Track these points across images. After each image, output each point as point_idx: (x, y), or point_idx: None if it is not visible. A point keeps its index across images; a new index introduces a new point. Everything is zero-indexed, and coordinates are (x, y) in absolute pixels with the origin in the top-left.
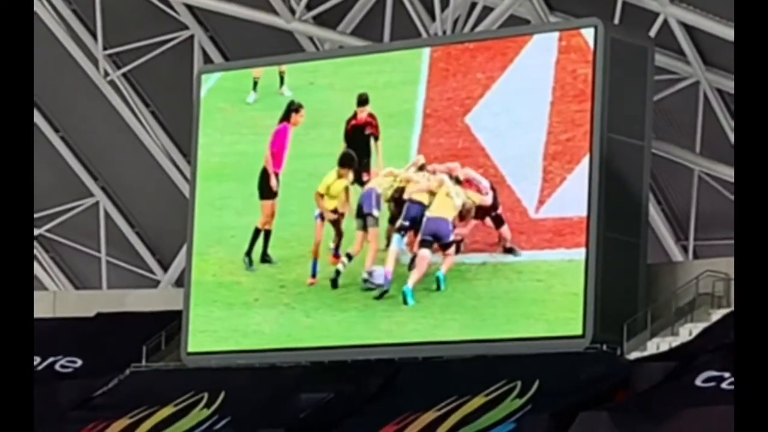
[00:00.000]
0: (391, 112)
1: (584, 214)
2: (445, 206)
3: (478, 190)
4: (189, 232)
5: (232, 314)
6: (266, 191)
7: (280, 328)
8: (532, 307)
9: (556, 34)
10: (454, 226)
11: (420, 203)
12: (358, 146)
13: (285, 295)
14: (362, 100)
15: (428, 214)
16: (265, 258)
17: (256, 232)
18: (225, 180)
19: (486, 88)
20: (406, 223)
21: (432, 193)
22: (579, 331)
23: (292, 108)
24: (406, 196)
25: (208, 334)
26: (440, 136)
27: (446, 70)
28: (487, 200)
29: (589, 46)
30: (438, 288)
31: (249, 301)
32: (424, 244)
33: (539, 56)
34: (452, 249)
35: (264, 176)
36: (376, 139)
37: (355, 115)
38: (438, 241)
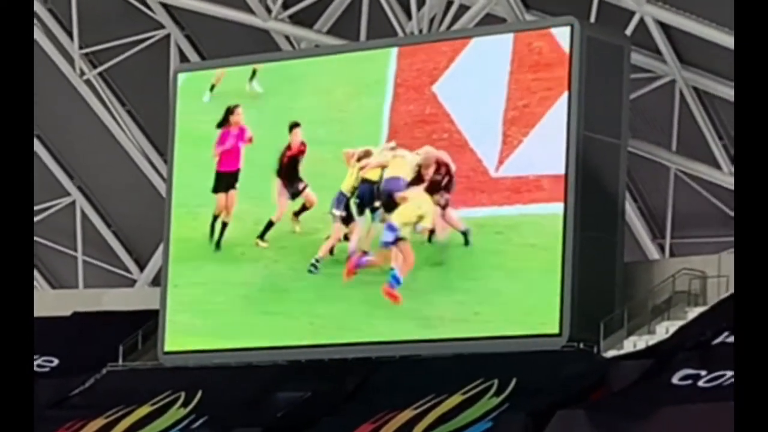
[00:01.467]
0: (366, 82)
1: (539, 173)
2: (399, 166)
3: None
4: (165, 231)
5: (208, 313)
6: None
7: (257, 326)
8: (490, 257)
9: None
10: (410, 184)
11: (369, 181)
12: (292, 175)
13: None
14: (293, 125)
15: (384, 176)
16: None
17: (214, 219)
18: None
19: (451, 60)
20: (358, 201)
21: (383, 167)
22: (556, 330)
23: (229, 111)
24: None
25: (184, 334)
26: (409, 103)
27: (416, 44)
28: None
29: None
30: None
31: (226, 299)
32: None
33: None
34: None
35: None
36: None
37: (289, 146)
38: (390, 199)
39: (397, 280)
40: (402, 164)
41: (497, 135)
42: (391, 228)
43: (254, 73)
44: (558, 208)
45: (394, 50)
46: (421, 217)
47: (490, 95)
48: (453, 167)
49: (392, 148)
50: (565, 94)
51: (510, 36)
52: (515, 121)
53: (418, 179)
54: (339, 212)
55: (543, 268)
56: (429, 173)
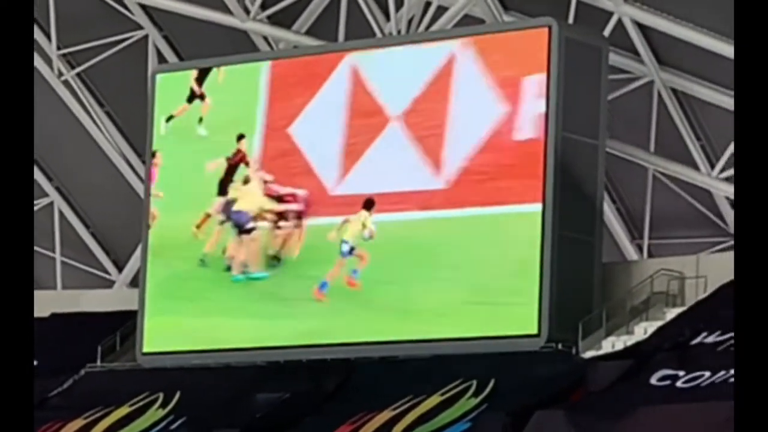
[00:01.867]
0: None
1: (363, 191)
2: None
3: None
4: (144, 232)
5: (187, 314)
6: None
7: (236, 327)
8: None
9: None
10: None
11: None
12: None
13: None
14: (240, 136)
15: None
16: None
17: None
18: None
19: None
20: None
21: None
22: (534, 330)
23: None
24: None
25: (163, 334)
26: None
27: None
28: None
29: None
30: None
31: (204, 301)
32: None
33: (340, 80)
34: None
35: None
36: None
37: (237, 152)
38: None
39: (356, 273)
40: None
41: (335, 162)
42: (345, 242)
43: (201, 120)
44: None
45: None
46: (364, 226)
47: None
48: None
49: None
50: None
51: (346, 87)
52: (350, 153)
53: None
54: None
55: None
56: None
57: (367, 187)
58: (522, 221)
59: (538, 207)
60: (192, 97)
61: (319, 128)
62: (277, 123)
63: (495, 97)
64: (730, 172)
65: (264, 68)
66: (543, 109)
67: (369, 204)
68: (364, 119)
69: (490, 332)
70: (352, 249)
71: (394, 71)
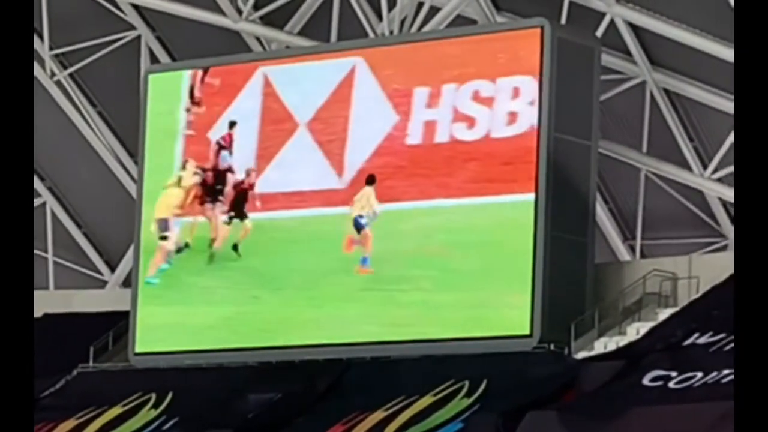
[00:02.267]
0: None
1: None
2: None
3: None
4: (136, 232)
5: (179, 315)
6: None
7: (228, 327)
8: None
9: None
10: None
11: None
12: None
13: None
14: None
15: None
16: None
17: None
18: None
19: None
20: None
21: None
22: (526, 331)
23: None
24: None
25: (155, 335)
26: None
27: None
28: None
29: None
30: None
31: (197, 301)
32: None
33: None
34: None
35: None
36: None
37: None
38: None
39: (366, 261)
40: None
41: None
42: (361, 217)
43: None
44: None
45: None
46: (370, 204)
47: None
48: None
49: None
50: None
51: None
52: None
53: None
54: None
55: None
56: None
57: (278, 186)
58: (418, 217)
59: (428, 203)
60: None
61: (235, 133)
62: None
63: (389, 106)
64: (723, 172)
65: (186, 75)
66: (432, 117)
67: (371, 179)
68: (276, 125)
69: (483, 333)
70: (365, 224)
71: (302, 82)
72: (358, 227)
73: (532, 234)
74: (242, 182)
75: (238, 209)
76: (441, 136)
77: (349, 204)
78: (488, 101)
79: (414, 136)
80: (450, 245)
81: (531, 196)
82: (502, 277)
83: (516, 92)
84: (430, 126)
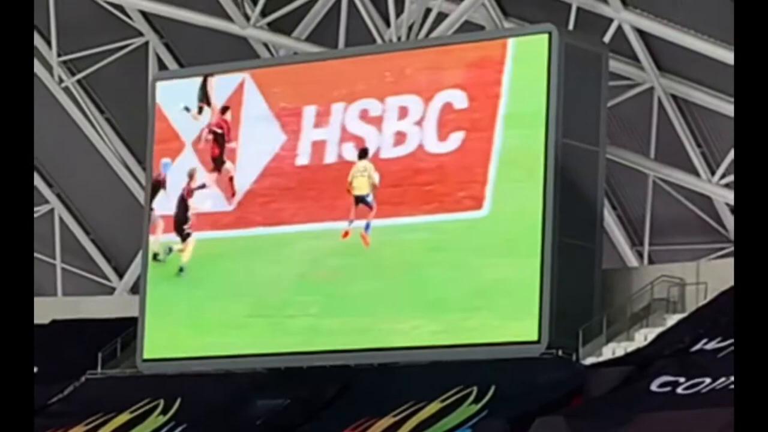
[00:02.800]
0: None
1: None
2: None
3: None
4: (144, 238)
5: (187, 321)
6: None
7: (237, 334)
8: None
9: None
10: None
11: None
12: None
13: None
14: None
15: None
16: None
17: None
18: None
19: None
20: None
21: None
22: (534, 337)
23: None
24: None
25: (163, 341)
26: None
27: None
28: None
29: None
30: None
31: (205, 307)
32: None
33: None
34: None
35: None
36: None
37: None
38: None
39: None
40: None
41: None
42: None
43: None
44: None
45: None
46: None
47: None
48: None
49: None
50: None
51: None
52: None
53: None
54: None
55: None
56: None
57: (166, 209)
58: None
59: (316, 226)
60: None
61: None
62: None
63: (277, 126)
64: (731, 178)
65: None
66: (321, 137)
67: (363, 153)
68: (164, 144)
69: (491, 339)
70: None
71: (188, 101)
72: (368, 203)
73: (424, 256)
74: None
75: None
76: (330, 157)
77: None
78: (377, 121)
79: (303, 156)
80: (339, 269)
81: (421, 218)
82: (392, 301)
83: (403, 112)
84: (318, 146)
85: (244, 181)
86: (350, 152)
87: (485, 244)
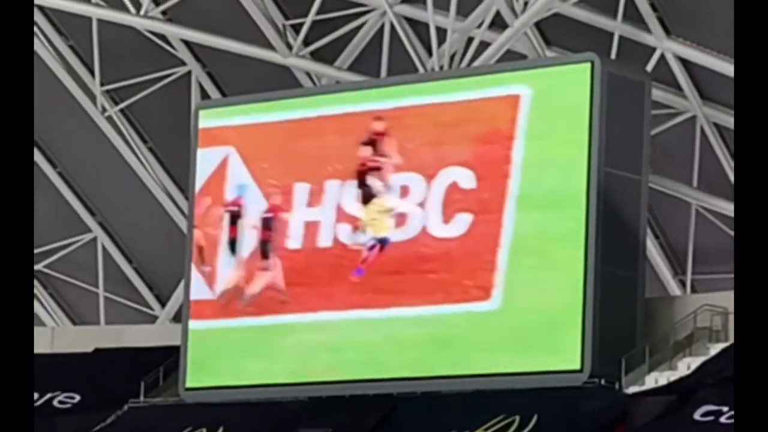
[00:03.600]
0: None
1: None
2: None
3: None
4: (186, 267)
5: (230, 350)
6: None
7: (277, 363)
8: None
9: None
10: None
11: None
12: None
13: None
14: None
15: None
16: None
17: None
18: None
19: None
20: None
21: None
22: (577, 366)
23: None
24: None
25: (206, 370)
26: None
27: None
28: None
29: None
30: None
31: (246, 337)
32: None
33: None
34: None
35: None
36: None
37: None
38: None
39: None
40: None
41: None
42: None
43: None
44: None
45: None
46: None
47: None
48: None
49: None
50: None
51: None
52: None
53: None
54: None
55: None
56: None
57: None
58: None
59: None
60: None
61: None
62: None
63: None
64: None
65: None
66: (315, 217)
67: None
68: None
69: (533, 368)
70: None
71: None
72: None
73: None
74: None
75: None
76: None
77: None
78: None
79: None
80: (334, 365)
81: (424, 309)
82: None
83: (405, 191)
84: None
85: None
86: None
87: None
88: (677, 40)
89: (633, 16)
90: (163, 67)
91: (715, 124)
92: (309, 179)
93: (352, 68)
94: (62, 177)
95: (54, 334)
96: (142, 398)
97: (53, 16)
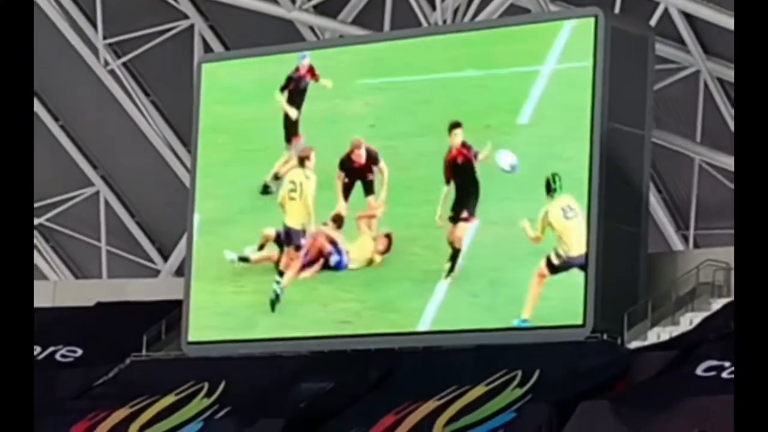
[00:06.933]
0: None
1: None
2: None
3: None
4: (189, 221)
5: (232, 303)
6: None
7: (280, 316)
8: None
9: None
10: None
11: None
12: None
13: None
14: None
15: None
16: None
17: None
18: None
19: None
20: None
21: None
22: (579, 321)
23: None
24: None
25: (208, 324)
26: None
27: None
28: None
29: None
30: None
31: (249, 291)
32: None
33: None
34: None
35: None
36: None
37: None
38: None
39: None
40: None
41: None
42: None
43: None
44: None
45: None
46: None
47: None
48: None
49: None
50: None
51: None
52: None
53: None
54: None
55: None
56: None
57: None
58: None
59: None
60: None
61: None
62: None
63: None
64: None
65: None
66: None
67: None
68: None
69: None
70: None
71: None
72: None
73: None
74: None
75: None
76: None
77: None
78: None
79: None
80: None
81: None
82: None
83: None
84: None
85: None
86: None
87: None
88: None
89: None
90: (166, 20)
91: (719, 79)
92: None
93: (356, 22)
94: (64, 130)
95: (56, 287)
96: (144, 352)
97: None
